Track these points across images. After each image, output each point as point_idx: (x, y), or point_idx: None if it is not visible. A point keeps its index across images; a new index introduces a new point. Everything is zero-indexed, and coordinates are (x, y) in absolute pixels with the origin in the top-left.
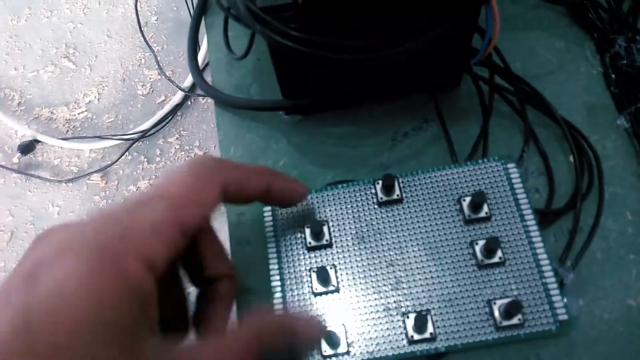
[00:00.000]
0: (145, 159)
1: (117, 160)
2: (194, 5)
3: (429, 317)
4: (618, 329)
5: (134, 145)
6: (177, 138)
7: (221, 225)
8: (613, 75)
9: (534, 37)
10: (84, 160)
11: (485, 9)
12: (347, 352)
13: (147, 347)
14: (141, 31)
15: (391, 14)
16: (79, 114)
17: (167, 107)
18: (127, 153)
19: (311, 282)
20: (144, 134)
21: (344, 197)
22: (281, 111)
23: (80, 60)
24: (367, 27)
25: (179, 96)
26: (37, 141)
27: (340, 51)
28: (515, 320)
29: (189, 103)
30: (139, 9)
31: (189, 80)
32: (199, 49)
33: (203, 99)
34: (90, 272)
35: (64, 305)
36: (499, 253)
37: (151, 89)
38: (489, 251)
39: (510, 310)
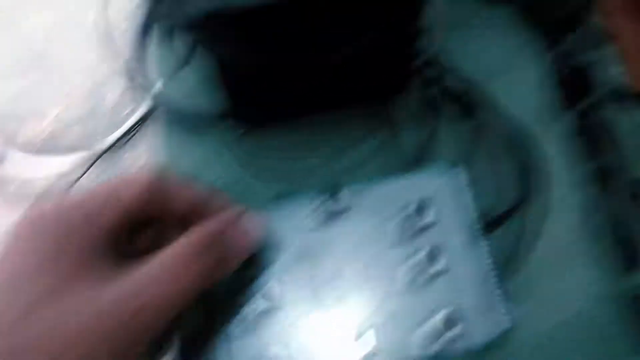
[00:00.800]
0: (114, 172)
1: (84, 173)
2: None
3: (371, 331)
4: (560, 337)
5: (102, 158)
6: (146, 150)
7: None
8: (561, 75)
9: (483, 37)
10: (53, 174)
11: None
12: None
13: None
14: (108, 39)
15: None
16: (46, 126)
17: (135, 118)
18: (95, 166)
19: (254, 301)
20: (112, 147)
21: (291, 209)
22: (225, 122)
23: (47, 70)
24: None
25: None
26: (5, 155)
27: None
28: (457, 331)
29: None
30: (107, 16)
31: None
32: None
33: None
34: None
35: None
36: (443, 261)
37: (120, 100)
38: (432, 258)
39: (451, 319)
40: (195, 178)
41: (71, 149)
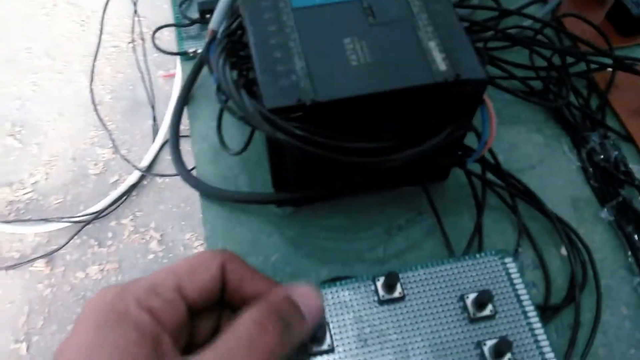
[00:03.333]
0: (96, 243)
1: (64, 244)
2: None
3: None
4: None
5: (84, 228)
6: (131, 219)
7: None
8: (591, 170)
9: (514, 132)
10: (27, 245)
11: (482, 112)
12: None
13: None
14: (95, 109)
15: (392, 120)
16: (23, 195)
17: (122, 187)
18: (76, 236)
19: None
20: (96, 216)
21: (343, 296)
22: (272, 204)
23: (27, 138)
24: (369, 131)
25: (134, 176)
26: None
27: (345, 154)
28: None
29: (145, 183)
30: (93, 87)
31: (146, 159)
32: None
33: (160, 178)
34: (98, 322)
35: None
36: (508, 356)
37: (104, 169)
38: (498, 353)
39: None
40: (245, 256)
41: (50, 219)
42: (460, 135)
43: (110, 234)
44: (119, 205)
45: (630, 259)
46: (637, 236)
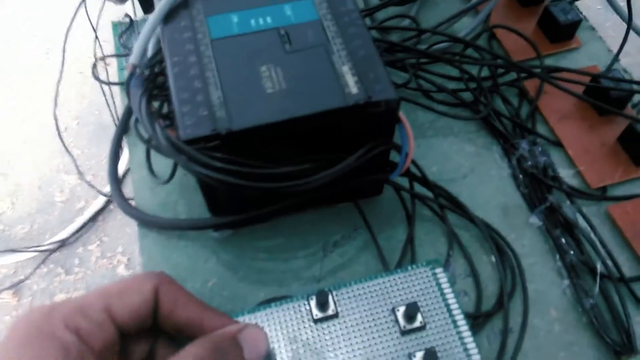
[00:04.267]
0: (63, 271)
1: (30, 274)
2: (116, 120)
3: None
4: None
5: (50, 257)
6: (98, 245)
7: None
8: (521, 176)
9: (446, 143)
10: None
11: (399, 129)
12: None
13: None
14: (60, 136)
15: (312, 144)
16: None
17: (88, 213)
18: (42, 265)
19: None
20: (62, 244)
21: (278, 317)
22: (208, 229)
23: None
24: (289, 156)
25: (100, 201)
26: None
27: (263, 180)
28: None
29: (111, 207)
30: (57, 114)
31: None
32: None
33: None
34: (22, 340)
35: None
36: None
37: (70, 195)
38: None
39: None
40: (183, 282)
41: (16, 249)
42: (381, 152)
43: (77, 261)
44: (85, 232)
45: (559, 263)
46: (565, 240)
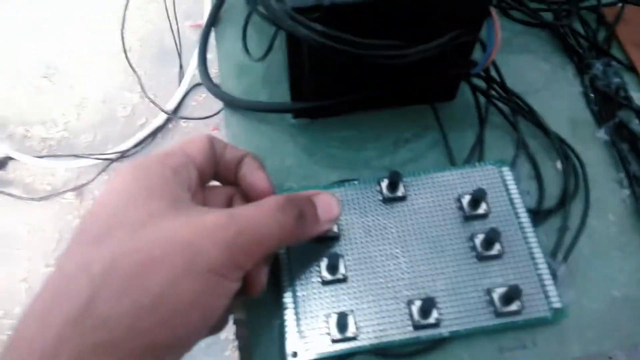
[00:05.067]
0: None
1: (93, 179)
2: (205, 22)
3: (433, 303)
4: (605, 317)
5: (111, 166)
6: None
7: None
8: (592, 95)
9: (522, 60)
10: (58, 179)
11: (487, 23)
12: (355, 337)
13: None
14: (126, 55)
15: (405, 22)
16: (55, 132)
17: (148, 129)
18: (103, 172)
19: (320, 272)
20: (123, 154)
21: (351, 194)
22: (289, 113)
23: (60, 81)
24: (384, 33)
25: (160, 119)
26: (10, 158)
27: (360, 48)
28: (513, 307)
29: (170, 126)
30: (124, 35)
31: (171, 103)
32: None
33: (184, 122)
34: (127, 178)
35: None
36: (497, 246)
37: (132, 112)
38: (488, 243)
39: (511, 295)
40: (263, 159)
41: (80, 155)
42: (467, 42)
43: None
44: (144, 146)
45: (622, 174)
46: (630, 154)
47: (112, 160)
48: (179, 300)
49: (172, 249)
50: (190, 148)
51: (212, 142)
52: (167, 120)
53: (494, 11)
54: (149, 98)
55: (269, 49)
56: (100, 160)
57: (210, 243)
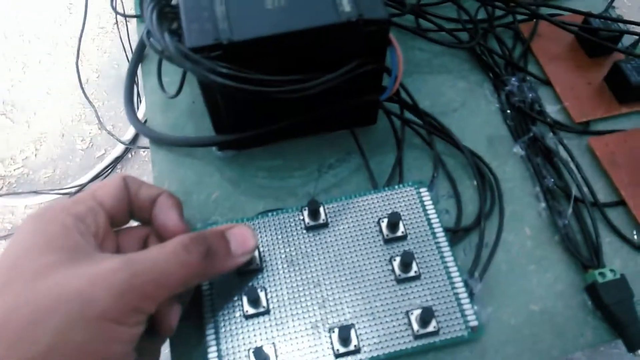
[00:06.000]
0: None
1: None
2: (131, 59)
3: (352, 330)
4: (523, 331)
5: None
6: None
7: None
8: (508, 110)
9: (441, 80)
10: (18, 217)
11: (390, 51)
12: None
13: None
14: (82, 87)
15: (307, 59)
16: (14, 170)
17: (107, 160)
18: None
19: (242, 305)
20: (82, 188)
21: (274, 224)
22: (214, 147)
23: (18, 117)
24: (290, 65)
25: (118, 149)
26: None
27: (260, 85)
28: (430, 328)
29: (130, 156)
30: (80, 67)
31: (129, 133)
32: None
33: (144, 151)
34: (30, 228)
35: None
36: (414, 267)
37: (91, 144)
38: (405, 265)
39: (425, 318)
40: (189, 194)
41: (40, 191)
42: (373, 74)
43: None
44: (104, 178)
45: (537, 188)
46: (545, 167)
47: (71, 194)
48: (72, 349)
49: (64, 298)
50: (100, 192)
51: (125, 182)
52: (126, 150)
53: (394, 40)
54: (106, 129)
55: (181, 86)
56: (60, 195)
57: (102, 289)
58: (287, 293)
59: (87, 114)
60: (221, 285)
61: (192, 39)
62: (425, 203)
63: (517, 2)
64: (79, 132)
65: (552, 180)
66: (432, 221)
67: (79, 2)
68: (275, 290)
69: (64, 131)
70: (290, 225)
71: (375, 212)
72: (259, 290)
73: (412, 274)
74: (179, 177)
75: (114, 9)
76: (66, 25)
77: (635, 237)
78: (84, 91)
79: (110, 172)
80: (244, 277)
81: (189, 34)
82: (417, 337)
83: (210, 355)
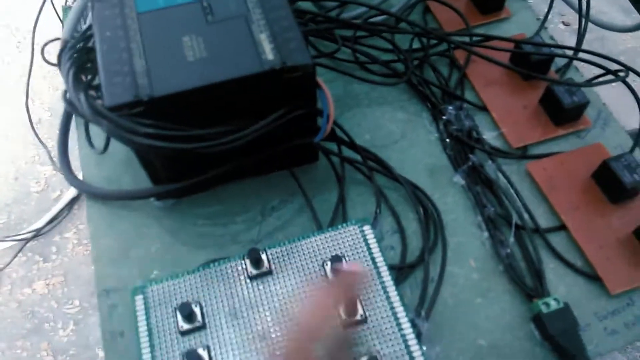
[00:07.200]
0: (41, 258)
1: (9, 262)
2: (63, 112)
3: None
4: None
5: (28, 245)
6: (74, 232)
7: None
8: (447, 140)
9: (380, 112)
10: None
11: (320, 94)
12: None
13: None
14: (33, 128)
15: (234, 108)
16: None
17: (62, 202)
18: (20, 254)
19: None
20: (37, 232)
21: (216, 276)
22: (151, 198)
23: None
24: (220, 114)
25: (74, 190)
26: None
27: (182, 142)
28: None
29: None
30: (30, 106)
31: None
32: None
33: None
34: None
35: None
36: (360, 310)
37: (46, 185)
38: (348, 314)
39: None
40: (127, 249)
41: None
42: (306, 118)
43: (54, 249)
44: (61, 220)
45: (479, 217)
46: (485, 196)
47: (28, 240)
48: None
49: None
50: None
51: None
52: None
53: (321, 82)
54: (60, 171)
55: (108, 140)
56: (16, 242)
57: None
58: (232, 349)
59: (41, 154)
60: (163, 349)
61: (111, 97)
62: (370, 242)
63: (450, 33)
64: (33, 174)
65: (493, 208)
66: (377, 260)
67: (28, 40)
68: (219, 348)
69: (17, 174)
70: (233, 276)
71: (320, 254)
72: (201, 349)
73: (358, 317)
74: (116, 232)
75: (45, 59)
76: (14, 64)
77: (578, 261)
78: (35, 132)
79: (67, 215)
80: (185, 336)
81: (107, 92)
82: None
83: None
